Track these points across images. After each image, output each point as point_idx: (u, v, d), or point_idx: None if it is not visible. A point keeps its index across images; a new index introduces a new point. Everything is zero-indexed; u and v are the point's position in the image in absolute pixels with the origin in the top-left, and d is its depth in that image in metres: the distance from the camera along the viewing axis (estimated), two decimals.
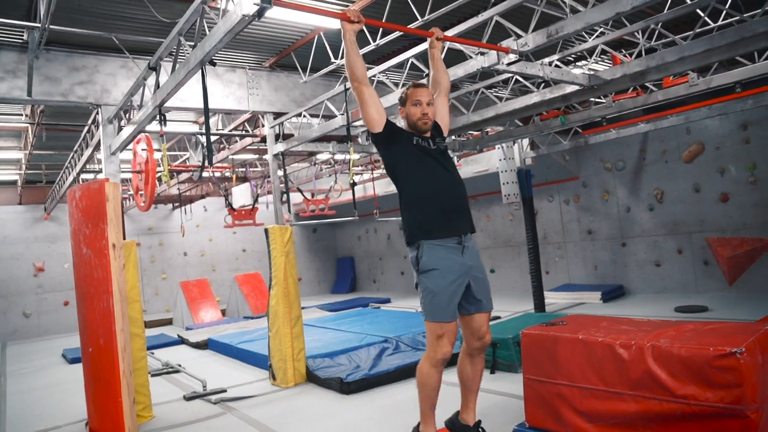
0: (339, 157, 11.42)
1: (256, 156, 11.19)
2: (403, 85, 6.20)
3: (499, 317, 8.99)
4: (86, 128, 8.26)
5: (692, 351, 2.92)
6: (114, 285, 4.48)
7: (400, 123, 3.58)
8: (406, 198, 3.27)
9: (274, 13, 4.27)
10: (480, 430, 3.58)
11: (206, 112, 4.14)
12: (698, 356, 2.89)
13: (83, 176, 10.00)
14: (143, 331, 5.58)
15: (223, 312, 13.30)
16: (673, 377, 2.96)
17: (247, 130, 8.82)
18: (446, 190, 3.23)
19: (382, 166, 11.88)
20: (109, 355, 4.47)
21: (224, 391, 6.07)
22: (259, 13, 3.07)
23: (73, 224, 4.94)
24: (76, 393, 6.30)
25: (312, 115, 7.16)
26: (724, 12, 5.90)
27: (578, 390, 3.36)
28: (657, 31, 6.53)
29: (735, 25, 5.00)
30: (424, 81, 4.05)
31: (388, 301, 13.85)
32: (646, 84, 6.63)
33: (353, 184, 7.30)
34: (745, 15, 5.62)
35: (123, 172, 6.80)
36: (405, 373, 5.92)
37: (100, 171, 10.07)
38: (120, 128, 6.08)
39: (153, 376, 6.63)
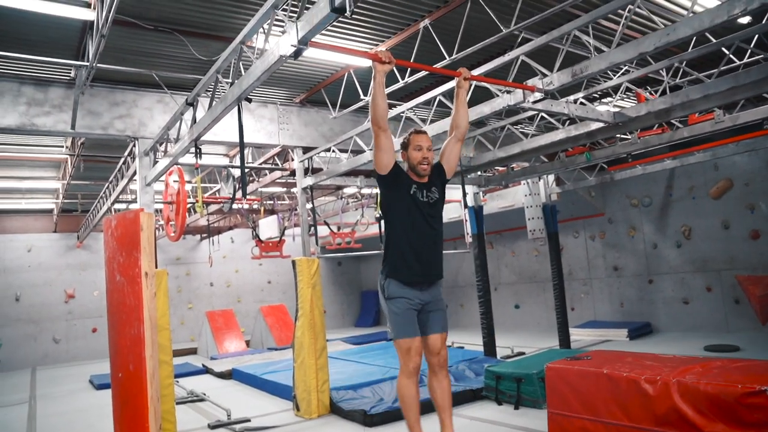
0: (365, 191, 11.57)
1: (284, 189, 11.40)
2: (431, 121, 6.34)
3: (523, 353, 8.89)
4: (122, 160, 8.56)
5: (719, 388, 2.90)
6: (145, 312, 4.58)
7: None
8: (389, 240, 3.67)
9: (309, 52, 4.47)
10: None
11: (241, 146, 4.33)
12: (726, 393, 2.86)
13: (116, 206, 10.30)
14: (171, 358, 5.68)
15: (248, 343, 13.36)
16: (701, 414, 2.93)
17: (276, 164, 9.02)
18: (425, 246, 3.63)
19: None
20: (137, 381, 4.55)
21: (248, 420, 6.11)
22: (296, 54, 3.24)
23: (108, 252, 5.10)
24: (103, 417, 6.41)
25: (341, 150, 7.32)
26: (749, 50, 5.93)
27: (603, 425, 3.35)
28: (681, 69, 6.58)
29: (761, 63, 5.04)
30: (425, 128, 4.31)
31: None
32: (672, 121, 6.66)
33: (379, 218, 7.41)
34: None
35: (155, 202, 7.02)
36: (428, 406, 5.86)
37: (133, 201, 10.39)
38: (155, 160, 6.32)
39: (178, 404, 6.68)
